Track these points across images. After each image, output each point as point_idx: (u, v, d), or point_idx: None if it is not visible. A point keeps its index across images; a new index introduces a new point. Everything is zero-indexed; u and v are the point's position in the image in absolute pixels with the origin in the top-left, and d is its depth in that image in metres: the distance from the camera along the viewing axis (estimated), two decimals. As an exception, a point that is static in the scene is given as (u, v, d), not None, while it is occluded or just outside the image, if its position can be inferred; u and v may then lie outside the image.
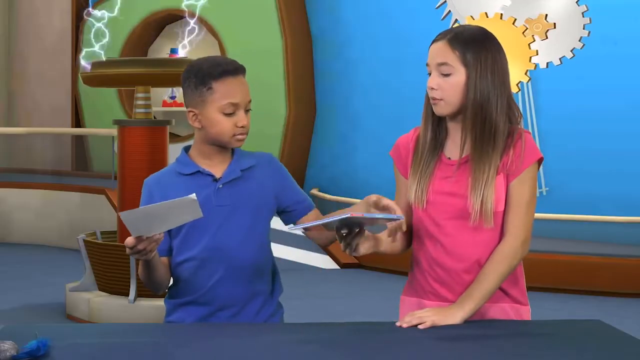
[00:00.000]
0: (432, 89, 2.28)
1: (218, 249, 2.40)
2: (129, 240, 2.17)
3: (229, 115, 2.37)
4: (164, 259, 2.43)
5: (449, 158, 2.32)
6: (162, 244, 2.37)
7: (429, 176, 2.31)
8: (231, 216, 2.40)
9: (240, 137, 2.40)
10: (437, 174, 2.32)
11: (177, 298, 2.48)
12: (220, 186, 2.41)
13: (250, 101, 2.41)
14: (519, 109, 2.32)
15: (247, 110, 2.40)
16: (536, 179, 2.31)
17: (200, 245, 2.41)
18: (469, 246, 2.29)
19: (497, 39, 2.32)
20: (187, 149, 2.49)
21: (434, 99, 2.28)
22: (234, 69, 2.40)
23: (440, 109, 2.28)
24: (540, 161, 2.30)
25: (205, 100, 2.38)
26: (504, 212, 2.28)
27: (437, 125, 2.34)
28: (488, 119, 2.25)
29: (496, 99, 2.26)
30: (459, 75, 2.26)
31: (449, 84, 2.26)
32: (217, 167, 2.44)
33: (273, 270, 2.53)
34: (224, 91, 2.37)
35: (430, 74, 2.30)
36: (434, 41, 2.31)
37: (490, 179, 2.24)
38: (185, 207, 2.11)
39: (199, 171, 2.42)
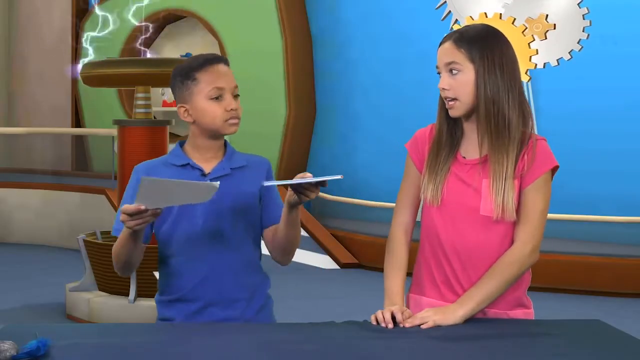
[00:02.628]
0: (444, 89, 2.28)
1: (202, 243, 2.41)
2: (130, 208, 2.15)
3: (216, 100, 2.40)
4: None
5: (464, 157, 2.33)
6: (146, 229, 2.37)
7: (445, 175, 2.32)
8: (216, 211, 2.41)
9: (232, 121, 2.41)
10: (452, 173, 2.32)
11: (166, 295, 2.48)
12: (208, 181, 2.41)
13: (236, 87, 2.43)
14: (528, 105, 2.32)
15: (235, 96, 2.43)
16: (550, 188, 2.31)
17: (185, 239, 2.42)
18: (479, 247, 2.29)
19: (502, 34, 2.32)
20: (182, 144, 2.51)
21: (449, 100, 2.28)
22: (214, 58, 2.43)
23: (456, 111, 2.29)
24: (555, 169, 2.29)
25: (192, 92, 2.41)
26: (517, 218, 2.27)
27: (454, 124, 2.35)
28: (501, 112, 2.25)
29: (507, 93, 2.26)
30: (468, 72, 2.26)
31: (458, 82, 2.27)
32: (209, 163, 2.45)
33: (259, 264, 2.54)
34: (207, 79, 2.40)
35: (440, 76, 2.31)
36: (440, 44, 2.32)
37: (510, 173, 2.24)
38: (201, 190, 2.11)
39: (189, 164, 2.44)
